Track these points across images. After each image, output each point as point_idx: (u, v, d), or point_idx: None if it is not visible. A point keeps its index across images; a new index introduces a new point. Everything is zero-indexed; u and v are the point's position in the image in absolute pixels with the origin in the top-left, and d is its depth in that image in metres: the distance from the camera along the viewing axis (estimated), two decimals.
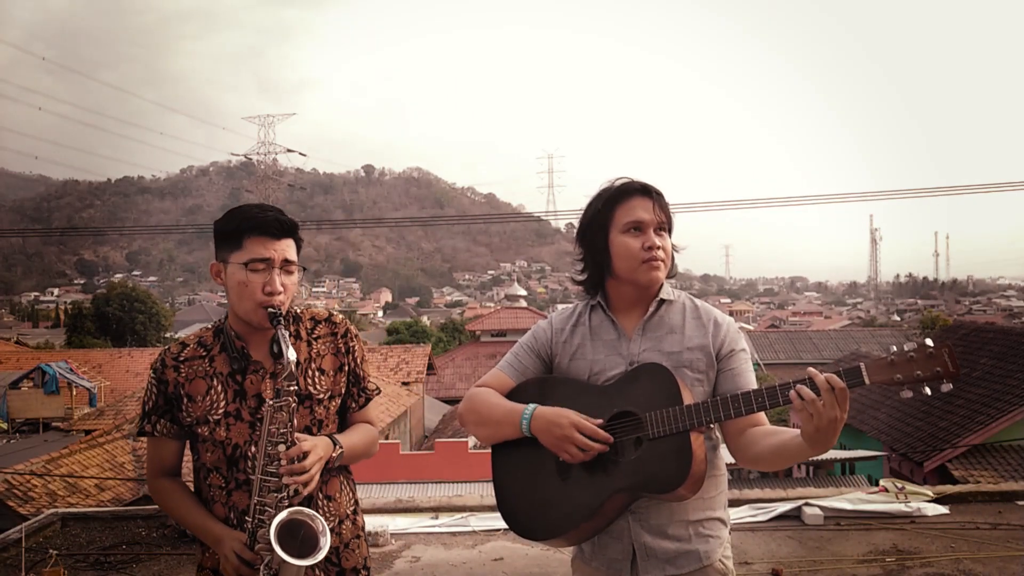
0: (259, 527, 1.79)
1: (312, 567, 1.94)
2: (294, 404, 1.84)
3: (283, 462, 1.81)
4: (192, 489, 2.03)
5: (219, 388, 1.93)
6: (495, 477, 2.08)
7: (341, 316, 2.13)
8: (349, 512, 2.07)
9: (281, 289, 1.88)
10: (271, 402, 1.83)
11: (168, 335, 48.83)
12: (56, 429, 21.26)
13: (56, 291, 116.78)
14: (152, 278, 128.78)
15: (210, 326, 2.04)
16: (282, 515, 1.75)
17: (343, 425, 2.09)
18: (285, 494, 1.81)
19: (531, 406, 1.94)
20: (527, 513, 2.00)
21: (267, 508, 1.81)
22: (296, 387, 1.85)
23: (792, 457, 1.80)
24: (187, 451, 2.06)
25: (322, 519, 1.79)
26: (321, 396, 1.99)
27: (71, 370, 23.17)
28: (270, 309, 1.86)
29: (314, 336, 2.03)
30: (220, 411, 1.92)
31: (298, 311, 2.06)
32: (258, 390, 1.92)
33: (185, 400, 1.94)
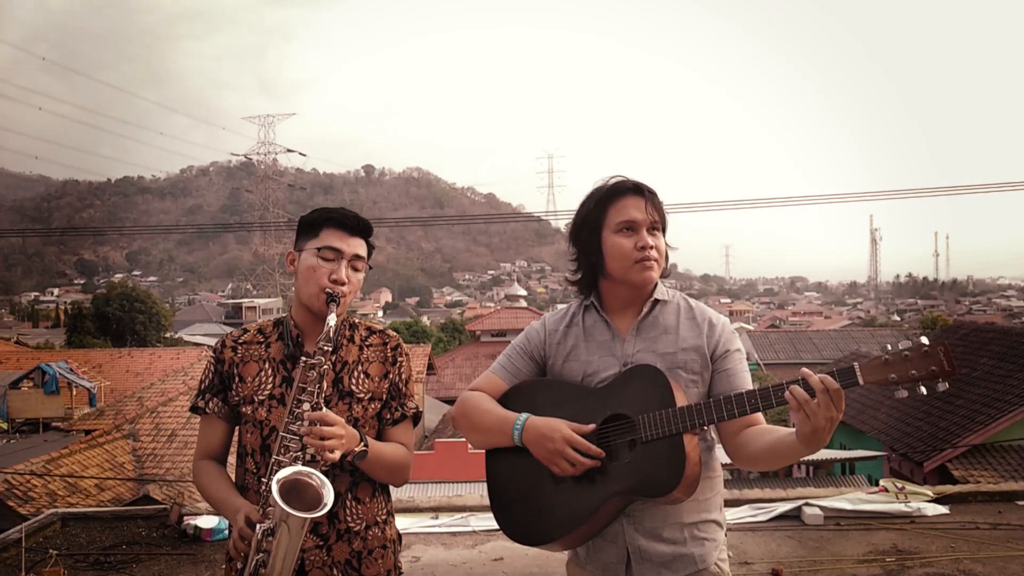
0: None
1: (331, 568, 1.96)
2: (327, 366, 1.90)
3: (305, 422, 1.84)
4: (234, 477, 2.07)
5: (269, 371, 2.03)
6: (489, 481, 2.07)
7: (396, 333, 2.19)
8: (379, 520, 2.07)
9: (346, 280, 1.98)
10: (304, 359, 1.90)
11: (168, 335, 48.88)
12: (56, 429, 21.25)
13: (56, 291, 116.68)
14: (152, 278, 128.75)
15: (271, 319, 2.15)
16: (286, 471, 1.76)
17: (379, 438, 2.10)
18: (302, 455, 1.84)
19: (523, 416, 1.92)
20: (522, 518, 1.99)
21: (284, 468, 1.82)
22: (331, 350, 1.91)
23: (786, 456, 1.79)
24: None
25: (322, 475, 1.79)
26: (361, 396, 2.04)
27: (71, 370, 23.17)
28: (328, 291, 1.95)
29: (367, 343, 2.11)
30: (266, 392, 2.00)
31: (356, 321, 2.16)
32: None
33: (236, 379, 2.04)
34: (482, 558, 5.20)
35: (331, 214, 2.04)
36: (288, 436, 1.85)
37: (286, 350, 2.03)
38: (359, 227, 2.04)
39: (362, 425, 2.02)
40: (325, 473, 1.83)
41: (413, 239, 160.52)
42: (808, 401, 1.64)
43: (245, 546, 1.80)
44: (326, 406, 1.96)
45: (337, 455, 1.84)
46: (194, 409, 2.08)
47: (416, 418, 2.15)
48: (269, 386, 2.01)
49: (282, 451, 1.85)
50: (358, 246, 2.03)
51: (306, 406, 1.86)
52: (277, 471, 1.80)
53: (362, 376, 2.05)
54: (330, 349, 1.90)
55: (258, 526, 1.76)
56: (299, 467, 1.79)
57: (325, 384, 1.91)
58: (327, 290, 1.95)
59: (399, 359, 2.12)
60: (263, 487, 1.85)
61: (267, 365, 2.03)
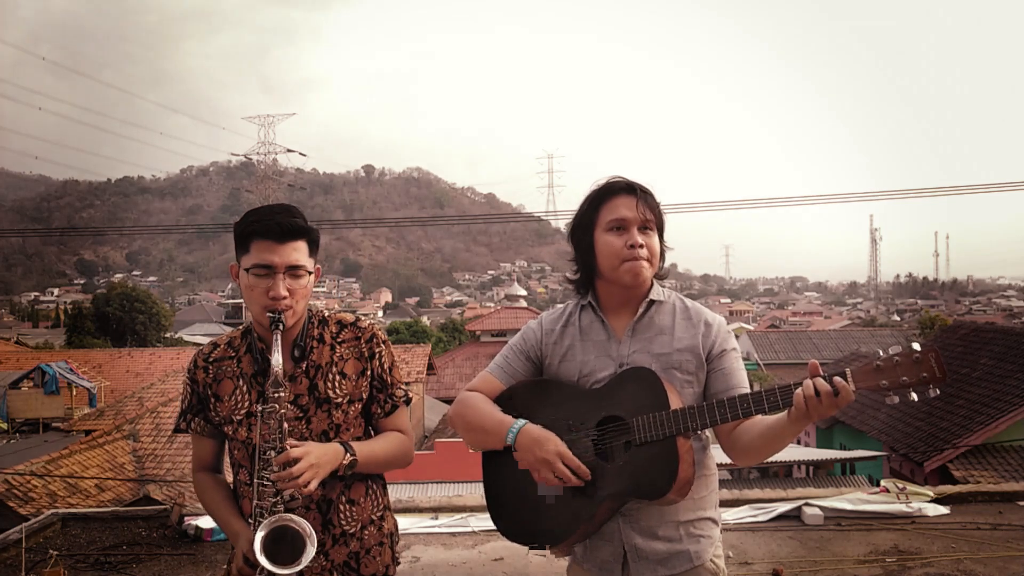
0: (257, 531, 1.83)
1: (331, 572, 1.97)
2: (283, 411, 1.84)
3: (274, 468, 1.81)
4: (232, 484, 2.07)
5: (244, 388, 1.98)
6: (486, 482, 2.08)
7: (369, 322, 2.11)
8: (375, 518, 2.06)
9: (285, 294, 1.86)
10: (260, 408, 1.83)
11: (168, 335, 48.88)
12: (56, 429, 21.24)
13: (56, 291, 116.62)
14: (152, 278, 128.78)
15: (241, 327, 2.08)
16: (261, 532, 1.76)
17: (371, 432, 2.08)
18: (279, 499, 1.81)
19: (519, 422, 1.92)
20: (518, 519, 2.00)
21: (264, 512, 1.82)
22: (281, 394, 1.83)
23: (779, 438, 1.80)
24: None
25: (308, 524, 1.78)
26: (339, 400, 1.99)
27: (71, 370, 23.15)
28: (270, 314, 1.86)
29: (338, 340, 2.03)
30: (243, 411, 1.96)
31: (326, 315, 2.08)
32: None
33: (213, 400, 2.00)
34: (482, 558, 5.20)
35: (254, 225, 1.88)
36: (261, 483, 1.83)
37: (255, 365, 1.97)
38: (287, 232, 1.87)
39: (346, 428, 2.00)
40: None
41: (413, 239, 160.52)
42: (812, 398, 1.66)
43: None
44: (304, 415, 1.95)
45: (314, 485, 1.82)
46: (177, 430, 2.06)
47: (407, 402, 2.11)
48: (246, 404, 1.96)
49: (259, 496, 1.83)
50: (292, 252, 1.88)
51: (271, 453, 1.82)
52: (263, 516, 1.81)
53: (338, 378, 1.99)
54: (282, 394, 1.83)
55: (257, 572, 1.79)
56: (282, 516, 1.79)
57: (286, 425, 1.84)
58: (268, 311, 1.85)
59: (376, 350, 2.04)
60: (251, 525, 1.87)
61: (241, 382, 1.97)
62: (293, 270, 1.89)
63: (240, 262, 1.92)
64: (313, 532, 1.78)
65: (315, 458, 1.83)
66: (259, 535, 1.74)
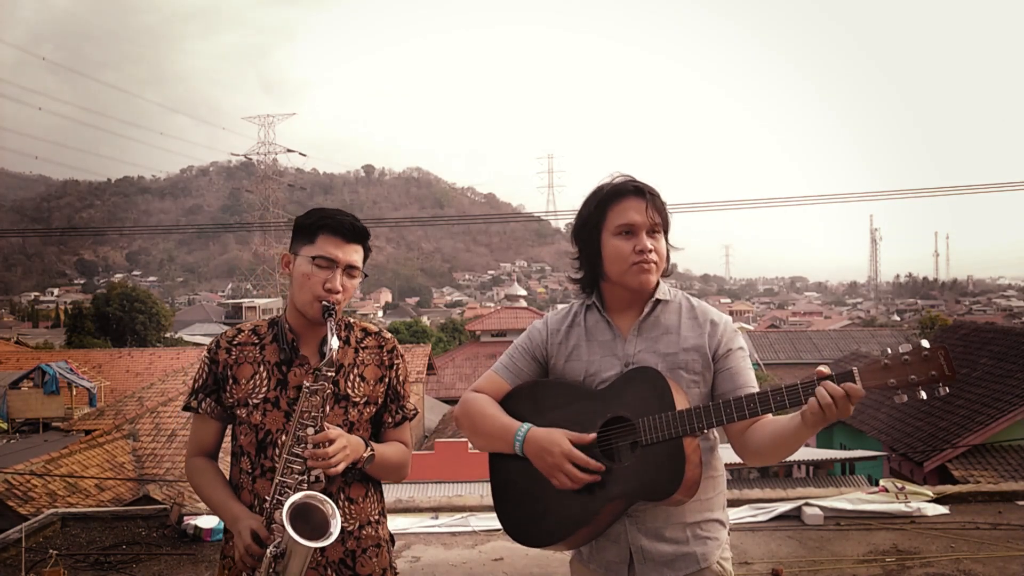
0: (276, 508, 1.84)
1: (325, 568, 1.98)
2: (329, 391, 1.91)
3: (309, 445, 1.87)
4: (228, 475, 2.09)
5: (264, 375, 2.03)
6: (492, 482, 2.08)
7: (391, 335, 2.20)
8: (372, 519, 2.09)
9: (340, 289, 1.97)
10: (308, 384, 1.91)
11: (168, 335, 48.87)
12: (56, 429, 21.24)
13: (56, 291, 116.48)
14: (152, 278, 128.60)
15: (266, 318, 2.14)
16: (297, 496, 1.79)
17: (377, 439, 2.13)
18: (306, 477, 1.87)
19: (525, 427, 1.93)
20: (524, 519, 2.00)
21: (287, 489, 1.86)
22: (333, 375, 1.91)
23: (791, 441, 1.79)
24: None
25: (332, 504, 1.82)
26: (357, 400, 2.05)
27: (71, 370, 23.16)
28: (324, 303, 1.94)
29: (362, 345, 2.12)
30: (260, 396, 2.01)
31: (351, 321, 2.15)
32: (300, 382, 1.98)
33: (230, 381, 2.04)
34: (482, 558, 5.20)
35: (327, 220, 1.99)
36: (291, 458, 1.88)
37: (281, 354, 2.02)
38: (356, 234, 2.01)
39: (357, 428, 2.04)
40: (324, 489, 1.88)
41: (413, 239, 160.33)
42: (830, 406, 1.65)
43: (253, 561, 1.84)
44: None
45: (342, 467, 1.89)
46: (187, 408, 2.10)
47: (412, 417, 2.19)
48: (264, 389, 2.01)
49: (286, 472, 1.88)
50: (354, 253, 2.01)
51: (310, 430, 1.88)
52: (285, 495, 1.83)
53: (358, 380, 2.06)
54: (333, 373, 1.91)
55: (268, 549, 1.80)
56: (310, 492, 1.83)
57: (327, 407, 1.93)
58: (323, 301, 1.95)
59: (395, 361, 2.13)
60: (268, 503, 1.89)
61: (261, 368, 2.03)
62: (350, 270, 2.01)
63: (299, 251, 2.01)
64: (337, 512, 1.81)
65: (346, 441, 1.92)
66: (288, 504, 1.76)
